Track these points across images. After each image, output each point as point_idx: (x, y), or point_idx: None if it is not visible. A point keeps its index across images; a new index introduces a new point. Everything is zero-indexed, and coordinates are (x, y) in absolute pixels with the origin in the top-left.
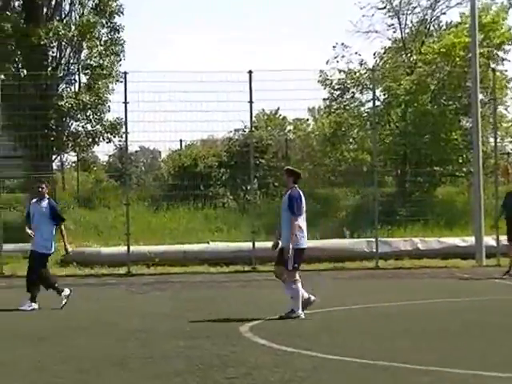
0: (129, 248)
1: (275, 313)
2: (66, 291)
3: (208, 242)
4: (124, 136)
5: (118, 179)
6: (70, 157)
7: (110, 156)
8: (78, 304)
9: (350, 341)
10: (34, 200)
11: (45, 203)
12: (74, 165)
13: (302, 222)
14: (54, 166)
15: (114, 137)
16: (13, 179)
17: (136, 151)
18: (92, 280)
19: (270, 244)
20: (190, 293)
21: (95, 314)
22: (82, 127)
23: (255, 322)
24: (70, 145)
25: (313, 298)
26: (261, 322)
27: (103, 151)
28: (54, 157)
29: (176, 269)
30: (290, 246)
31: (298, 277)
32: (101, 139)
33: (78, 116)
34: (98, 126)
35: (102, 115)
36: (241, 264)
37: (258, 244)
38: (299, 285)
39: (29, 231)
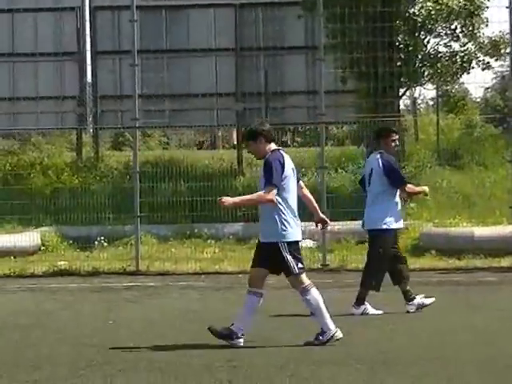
0: None
1: None
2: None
3: None
4: (509, 58)
5: (500, 124)
6: (426, 91)
7: (487, 89)
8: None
9: None
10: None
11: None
12: (431, 103)
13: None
14: (401, 106)
15: (495, 60)
16: (342, 125)
17: None
18: (461, 276)
19: None
20: None
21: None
22: (445, 46)
23: None
24: (426, 73)
25: (340, 334)
26: None
27: (476, 82)
28: (401, 91)
29: None
30: None
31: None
32: (473, 64)
33: (439, 29)
34: (469, 45)
35: (476, 28)
36: None
37: None
38: (315, 291)
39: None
